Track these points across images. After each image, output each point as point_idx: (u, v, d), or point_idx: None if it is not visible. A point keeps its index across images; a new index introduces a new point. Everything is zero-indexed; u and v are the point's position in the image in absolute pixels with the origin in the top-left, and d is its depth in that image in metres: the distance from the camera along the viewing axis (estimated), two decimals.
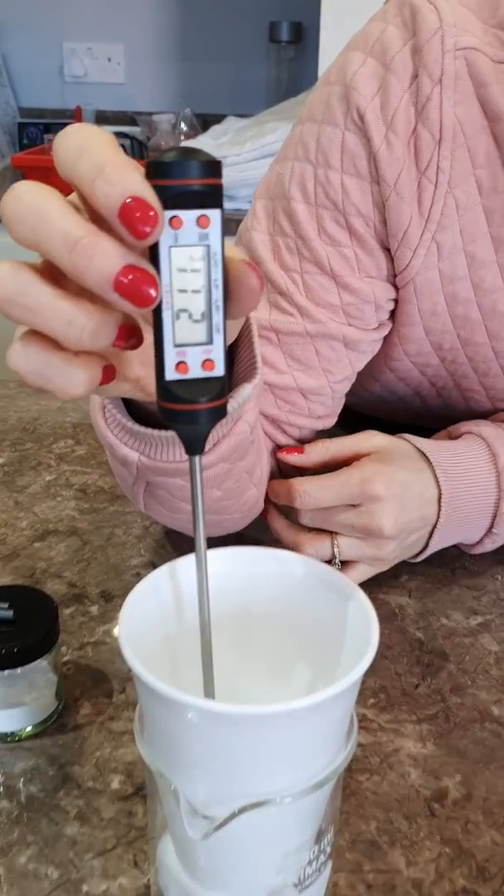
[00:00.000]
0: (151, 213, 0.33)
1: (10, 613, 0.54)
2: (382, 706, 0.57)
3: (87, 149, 0.33)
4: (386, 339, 0.72)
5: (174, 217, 0.34)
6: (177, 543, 0.75)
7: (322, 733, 0.36)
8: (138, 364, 0.44)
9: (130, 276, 0.34)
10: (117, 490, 0.82)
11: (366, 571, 0.67)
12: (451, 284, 0.67)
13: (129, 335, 0.37)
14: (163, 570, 0.42)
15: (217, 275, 0.35)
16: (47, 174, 1.82)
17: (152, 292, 0.34)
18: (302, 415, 0.71)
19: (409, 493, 0.64)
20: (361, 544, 0.65)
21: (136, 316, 0.38)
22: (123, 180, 0.32)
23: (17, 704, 0.54)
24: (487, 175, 0.63)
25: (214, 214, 0.34)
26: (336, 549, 0.65)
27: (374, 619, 0.38)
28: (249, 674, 0.44)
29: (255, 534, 0.74)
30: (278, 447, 0.71)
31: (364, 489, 0.63)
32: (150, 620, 0.40)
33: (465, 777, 0.52)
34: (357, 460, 0.66)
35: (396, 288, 0.68)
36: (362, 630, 0.39)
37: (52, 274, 0.37)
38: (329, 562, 0.65)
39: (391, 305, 0.69)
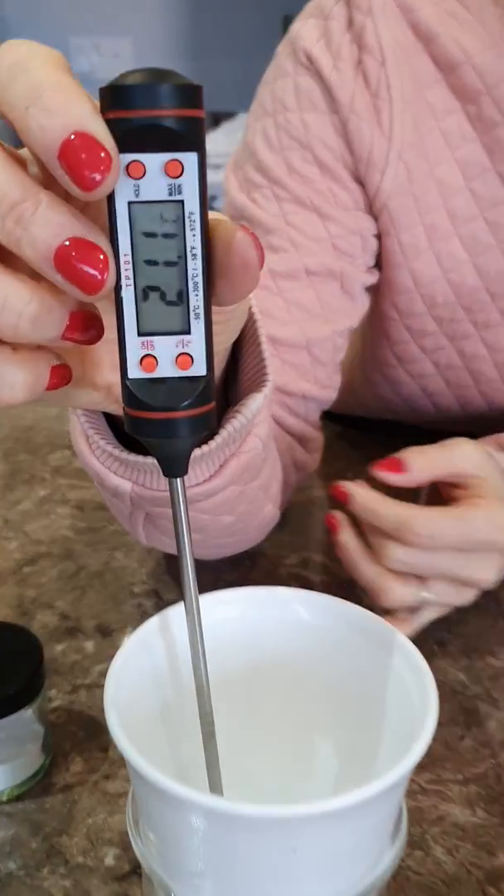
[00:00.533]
0: (102, 155, 0.25)
1: None
2: (422, 763, 0.49)
3: (24, 68, 0.25)
4: (379, 307, 0.72)
5: (133, 162, 0.26)
6: None
7: (362, 835, 0.28)
8: (110, 367, 0.36)
9: (73, 250, 0.26)
10: None
11: (429, 616, 0.56)
12: (428, 214, 0.66)
13: (85, 325, 0.29)
14: (153, 623, 0.34)
15: (196, 241, 0.27)
16: None
17: (98, 275, 0.26)
18: (308, 381, 0.65)
19: None
20: (453, 592, 0.55)
21: (95, 303, 0.30)
22: (66, 109, 0.25)
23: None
24: (435, 97, 0.65)
25: (189, 159, 0.26)
26: (428, 595, 0.54)
27: (431, 680, 0.30)
28: (262, 749, 0.36)
29: (271, 557, 0.66)
30: (295, 438, 0.66)
31: (490, 537, 0.53)
32: (143, 685, 0.33)
33: None
34: (455, 480, 0.56)
35: (376, 219, 0.68)
36: (412, 694, 0.31)
37: None
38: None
39: (376, 242, 0.69)
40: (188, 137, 0.26)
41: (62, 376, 0.31)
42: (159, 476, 0.45)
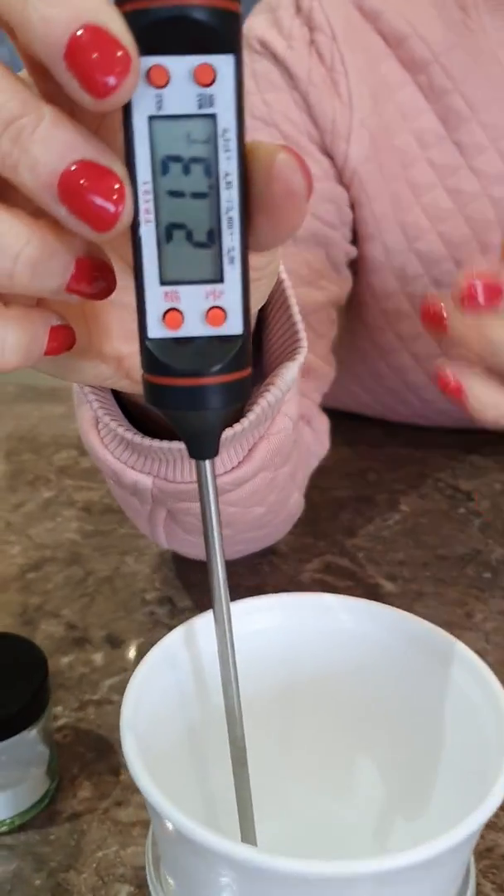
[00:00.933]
0: (119, 53, 0.20)
1: None
2: None
3: None
4: (355, 294, 0.72)
5: (156, 66, 0.21)
6: (201, 573, 0.62)
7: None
8: (120, 334, 0.32)
9: (83, 179, 0.22)
10: None
11: None
12: (392, 183, 0.67)
13: (94, 274, 0.25)
14: (177, 634, 0.29)
15: (231, 166, 0.23)
16: None
17: (111, 207, 0.22)
18: (310, 354, 0.63)
19: None
20: None
21: (109, 247, 0.26)
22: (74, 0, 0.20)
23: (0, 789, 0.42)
24: (387, 70, 0.66)
25: (224, 64, 0.22)
26: None
27: (498, 695, 0.26)
28: (300, 776, 0.31)
29: (292, 562, 0.62)
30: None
31: None
32: (165, 706, 0.28)
33: None
34: None
35: (347, 189, 0.68)
36: (481, 719, 0.26)
37: None
38: None
39: (350, 213, 0.69)
40: (223, 36, 0.21)
41: (63, 340, 0.27)
42: (184, 464, 0.41)
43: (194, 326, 0.24)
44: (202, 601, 0.59)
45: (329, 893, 0.22)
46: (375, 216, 0.68)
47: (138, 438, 0.39)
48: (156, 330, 0.24)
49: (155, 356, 0.24)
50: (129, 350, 0.31)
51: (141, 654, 0.54)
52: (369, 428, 0.84)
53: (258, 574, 0.62)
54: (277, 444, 0.43)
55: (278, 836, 0.24)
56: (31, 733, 0.42)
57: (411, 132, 0.66)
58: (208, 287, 0.24)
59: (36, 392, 0.96)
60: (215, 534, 0.26)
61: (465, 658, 0.28)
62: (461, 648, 0.28)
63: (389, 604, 0.54)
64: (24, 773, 0.43)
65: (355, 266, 0.72)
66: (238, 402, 0.25)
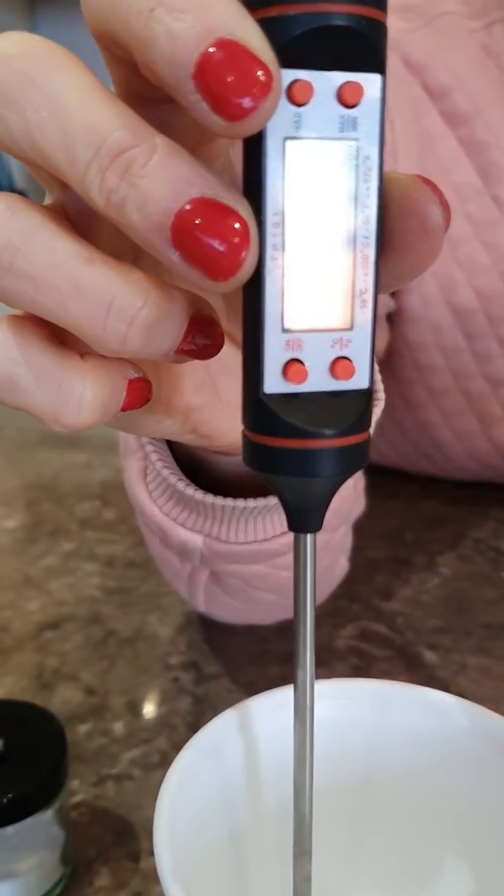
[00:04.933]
0: (260, 72, 0.17)
1: (0, 744, 0.39)
2: None
3: None
4: (389, 345, 0.70)
5: (298, 82, 0.18)
6: (228, 637, 0.58)
7: None
8: (192, 386, 0.29)
9: (200, 219, 0.19)
10: (152, 564, 0.67)
11: None
12: None
13: (204, 333, 0.22)
14: (229, 718, 0.26)
15: (370, 199, 0.20)
16: None
17: (231, 253, 0.19)
18: None
19: None
20: None
21: (212, 298, 0.23)
22: (205, 8, 0.17)
23: (5, 876, 0.38)
24: (430, 123, 0.64)
25: (372, 83, 0.19)
26: None
27: None
28: (369, 889, 0.28)
29: (325, 627, 0.58)
30: None
31: None
32: (207, 807, 0.24)
33: None
34: None
35: None
36: None
37: (65, 213, 0.22)
38: None
39: None
40: (373, 50, 0.19)
41: (141, 393, 0.24)
42: (238, 523, 0.37)
43: (319, 380, 0.21)
44: (230, 667, 0.55)
45: None
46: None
47: (195, 492, 0.36)
48: (275, 384, 0.20)
49: (271, 413, 0.20)
50: (199, 402, 0.28)
51: (163, 724, 0.50)
52: (405, 485, 0.80)
53: (287, 637, 0.58)
54: (339, 503, 0.40)
55: None
56: (47, 814, 0.39)
57: (450, 185, 0.65)
58: (336, 335, 0.21)
59: (58, 439, 0.94)
60: (309, 615, 0.23)
61: None
62: None
63: (430, 676, 0.50)
64: (38, 859, 0.39)
65: (392, 318, 0.69)
66: (356, 469, 0.22)
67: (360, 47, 0.19)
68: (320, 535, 0.42)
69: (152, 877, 0.41)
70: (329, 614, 0.60)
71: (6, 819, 0.37)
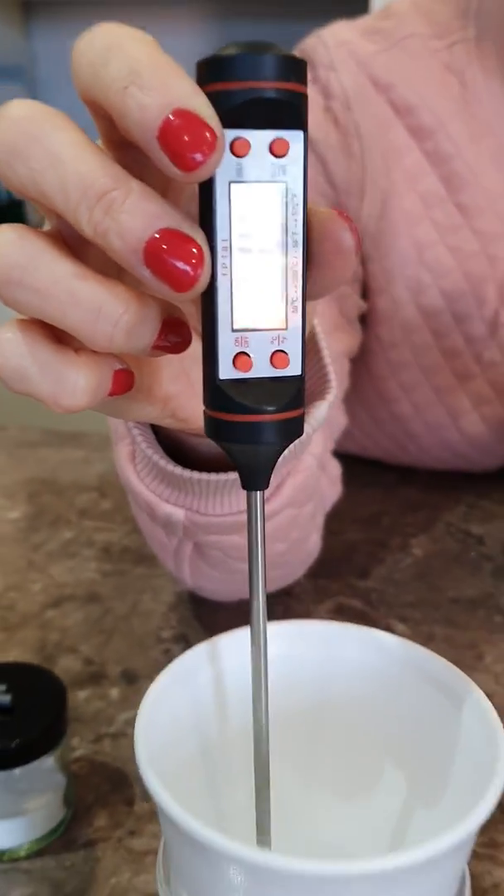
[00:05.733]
0: (207, 134, 0.23)
1: (7, 699, 0.44)
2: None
3: (119, 48, 0.24)
4: (363, 343, 0.75)
5: (238, 139, 0.24)
6: (216, 613, 0.63)
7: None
8: (169, 377, 0.34)
9: (165, 242, 0.24)
10: (146, 550, 0.72)
11: None
12: (398, 241, 0.71)
13: (175, 332, 0.27)
14: (199, 651, 0.31)
15: (297, 227, 0.25)
16: None
17: (190, 270, 0.24)
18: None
19: None
20: None
21: (181, 307, 0.28)
22: (166, 86, 0.23)
23: (14, 814, 0.43)
24: (395, 137, 0.70)
25: (296, 138, 0.25)
26: None
27: (500, 734, 0.27)
28: (317, 799, 0.33)
29: (305, 603, 0.63)
30: None
31: None
32: (181, 724, 0.29)
33: None
34: None
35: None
36: (480, 746, 0.28)
37: (64, 241, 0.27)
38: None
39: (361, 270, 0.73)
40: (296, 114, 0.24)
41: (125, 382, 0.29)
42: (215, 498, 0.43)
43: (261, 368, 0.26)
44: None
45: (338, 892, 0.23)
46: (385, 270, 0.71)
47: (176, 469, 0.41)
48: (227, 371, 0.26)
49: (224, 395, 0.26)
50: (175, 390, 0.34)
51: None
52: (383, 474, 0.86)
53: (272, 614, 0.63)
54: (303, 481, 0.45)
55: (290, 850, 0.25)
56: (49, 760, 0.44)
57: (417, 193, 0.70)
58: (274, 333, 0.26)
59: (58, 437, 0.99)
60: (259, 558, 0.28)
61: (475, 698, 0.29)
62: (473, 689, 0.29)
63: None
64: (41, 800, 0.44)
65: (365, 318, 0.74)
66: (294, 438, 0.27)
67: (286, 112, 0.24)
68: (289, 510, 0.47)
69: (145, 818, 0.46)
70: (308, 591, 0.66)
71: (14, 762, 0.42)
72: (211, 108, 0.23)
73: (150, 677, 0.57)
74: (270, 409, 0.26)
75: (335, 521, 0.68)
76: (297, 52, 0.72)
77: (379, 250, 0.71)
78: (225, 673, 0.31)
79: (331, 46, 0.70)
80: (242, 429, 0.26)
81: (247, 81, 0.23)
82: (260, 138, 0.24)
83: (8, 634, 0.61)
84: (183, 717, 0.29)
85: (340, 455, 0.68)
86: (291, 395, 0.26)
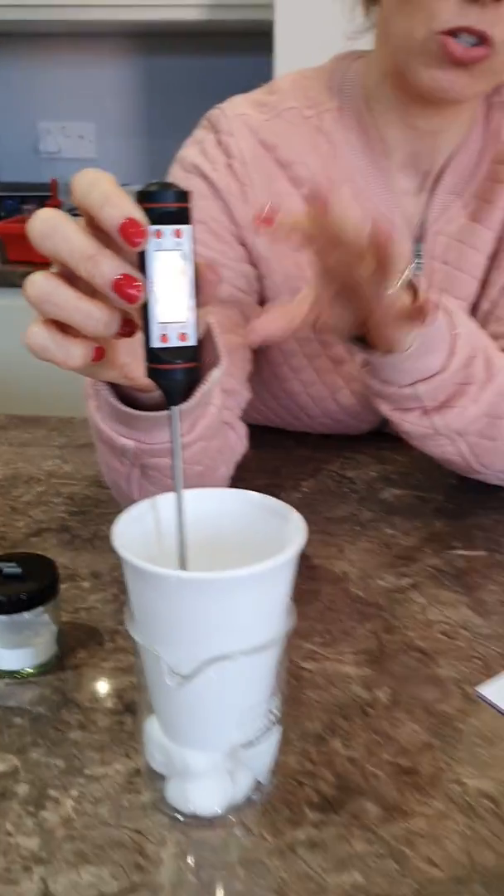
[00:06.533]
0: (141, 229, 0.46)
1: (18, 570, 0.66)
2: (328, 643, 0.70)
3: (97, 184, 0.47)
4: None
5: (158, 230, 0.48)
6: None
7: (268, 602, 0.49)
8: (124, 353, 0.58)
9: (123, 281, 0.47)
10: (101, 496, 0.95)
11: None
12: (282, 263, 0.94)
13: (128, 326, 0.51)
14: (145, 503, 0.54)
15: (189, 271, 0.49)
16: (24, 242, 1.98)
17: (134, 293, 0.48)
18: (233, 380, 0.88)
19: None
20: None
21: (132, 312, 0.51)
22: (122, 206, 0.46)
23: (24, 645, 0.66)
24: (279, 186, 0.92)
25: (186, 228, 0.48)
26: None
27: (303, 527, 0.51)
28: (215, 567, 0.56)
29: None
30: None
31: None
32: (135, 538, 0.52)
33: (394, 689, 0.64)
34: None
35: (255, 267, 0.95)
36: (291, 536, 0.51)
37: (69, 277, 0.50)
38: None
39: (258, 283, 0.95)
40: (185, 217, 0.48)
41: (101, 354, 0.53)
42: (153, 431, 0.66)
43: (173, 341, 0.49)
44: None
45: (220, 592, 0.46)
46: (275, 284, 0.95)
47: (128, 410, 0.65)
48: (156, 343, 0.49)
49: (155, 354, 0.49)
50: (127, 360, 0.57)
51: (114, 581, 0.78)
52: (284, 439, 1.10)
53: None
54: (209, 422, 0.69)
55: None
56: (47, 608, 0.66)
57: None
58: (180, 324, 0.49)
59: (23, 420, 1.21)
60: (178, 449, 0.51)
61: (292, 516, 0.53)
62: (290, 510, 0.53)
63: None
64: (41, 638, 0.66)
65: None
66: (193, 377, 0.50)
67: (180, 217, 0.47)
68: (200, 443, 0.70)
69: (112, 651, 0.69)
70: None
71: (24, 607, 0.65)
72: (144, 216, 0.46)
73: (110, 574, 0.80)
74: (179, 361, 0.50)
75: (247, 472, 0.92)
76: (204, 121, 0.95)
77: (270, 270, 0.94)
78: (161, 515, 0.54)
79: (230, 117, 0.93)
80: (165, 372, 0.50)
81: (160, 203, 0.47)
82: (168, 230, 0.48)
83: (3, 552, 0.83)
84: (136, 535, 0.52)
85: (251, 425, 0.91)
86: (189, 355, 0.50)
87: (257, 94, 0.97)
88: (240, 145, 0.92)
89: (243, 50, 2.62)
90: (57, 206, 2.65)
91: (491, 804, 0.54)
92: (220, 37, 2.62)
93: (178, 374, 0.50)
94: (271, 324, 0.69)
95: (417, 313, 0.66)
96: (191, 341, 0.50)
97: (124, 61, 2.71)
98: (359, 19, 0.93)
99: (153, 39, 2.69)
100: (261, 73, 2.27)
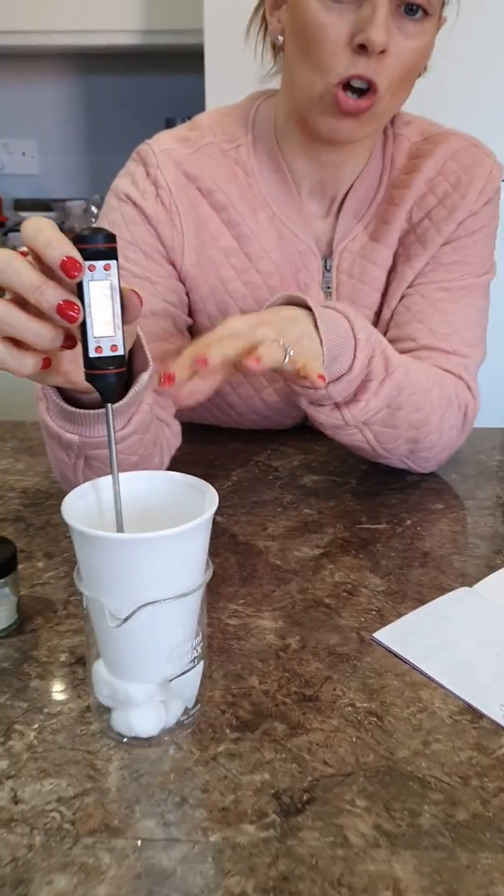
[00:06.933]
0: (78, 264, 0.58)
1: None
2: (249, 603, 0.82)
3: (41, 230, 0.59)
4: None
5: (91, 265, 0.59)
6: None
7: (189, 557, 0.61)
8: (67, 362, 0.69)
9: (65, 305, 0.59)
10: (52, 489, 1.06)
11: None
12: (209, 279, 1.07)
13: (70, 340, 0.63)
14: (87, 485, 0.66)
15: (116, 296, 0.61)
16: None
17: (74, 315, 0.59)
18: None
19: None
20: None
21: (72, 329, 0.63)
22: (62, 247, 0.58)
23: None
24: (203, 212, 1.05)
25: (114, 263, 0.60)
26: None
27: (216, 497, 0.63)
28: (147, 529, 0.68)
29: None
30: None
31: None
32: (81, 514, 0.64)
33: (303, 637, 0.77)
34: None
35: (184, 283, 1.07)
36: (212, 506, 0.63)
37: (20, 303, 0.62)
38: None
39: (187, 298, 1.08)
40: (113, 254, 0.60)
41: (48, 363, 0.64)
42: (93, 427, 0.78)
43: (106, 352, 0.61)
44: None
45: (148, 549, 0.58)
46: (202, 299, 1.07)
47: (72, 409, 0.76)
48: (92, 353, 0.61)
49: (92, 363, 0.61)
50: (70, 368, 0.69)
51: (66, 561, 0.89)
52: (218, 434, 1.22)
53: None
54: (142, 418, 0.81)
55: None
56: (7, 581, 0.77)
57: (219, 248, 1.06)
58: (111, 337, 0.61)
59: None
60: (113, 439, 0.63)
61: (208, 489, 0.65)
62: (207, 486, 0.65)
63: (216, 526, 0.91)
64: (2, 606, 0.78)
65: (192, 330, 1.11)
66: (122, 380, 0.62)
67: (108, 255, 0.59)
68: (135, 436, 0.82)
69: (65, 617, 0.80)
70: None
71: None
72: (78, 254, 0.58)
73: (61, 555, 0.91)
74: (111, 367, 0.62)
75: (184, 465, 1.03)
76: (134, 155, 1.07)
77: (196, 285, 1.07)
78: (101, 493, 0.66)
79: (156, 152, 1.04)
80: (100, 376, 0.62)
81: (92, 245, 0.59)
82: (100, 264, 0.60)
83: None
84: (81, 508, 0.64)
85: (189, 423, 1.03)
86: (119, 362, 0.62)
87: (180, 131, 1.09)
88: (166, 177, 1.04)
89: (177, 70, 2.75)
90: (2, 222, 2.74)
91: (376, 720, 0.66)
92: (155, 58, 2.74)
93: (110, 377, 0.62)
94: (197, 386, 0.79)
95: (304, 378, 0.79)
96: (120, 351, 0.62)
97: (64, 80, 2.81)
98: (269, 64, 1.06)
99: (92, 60, 2.80)
100: (193, 92, 2.41)
